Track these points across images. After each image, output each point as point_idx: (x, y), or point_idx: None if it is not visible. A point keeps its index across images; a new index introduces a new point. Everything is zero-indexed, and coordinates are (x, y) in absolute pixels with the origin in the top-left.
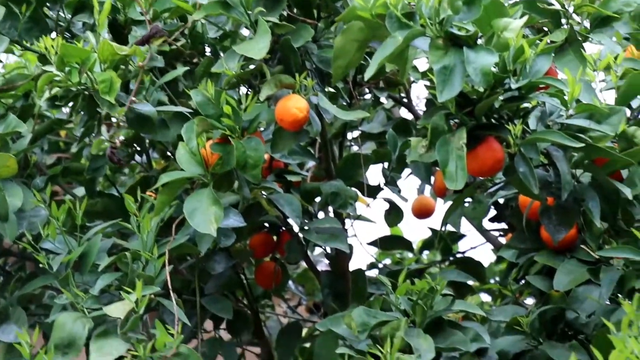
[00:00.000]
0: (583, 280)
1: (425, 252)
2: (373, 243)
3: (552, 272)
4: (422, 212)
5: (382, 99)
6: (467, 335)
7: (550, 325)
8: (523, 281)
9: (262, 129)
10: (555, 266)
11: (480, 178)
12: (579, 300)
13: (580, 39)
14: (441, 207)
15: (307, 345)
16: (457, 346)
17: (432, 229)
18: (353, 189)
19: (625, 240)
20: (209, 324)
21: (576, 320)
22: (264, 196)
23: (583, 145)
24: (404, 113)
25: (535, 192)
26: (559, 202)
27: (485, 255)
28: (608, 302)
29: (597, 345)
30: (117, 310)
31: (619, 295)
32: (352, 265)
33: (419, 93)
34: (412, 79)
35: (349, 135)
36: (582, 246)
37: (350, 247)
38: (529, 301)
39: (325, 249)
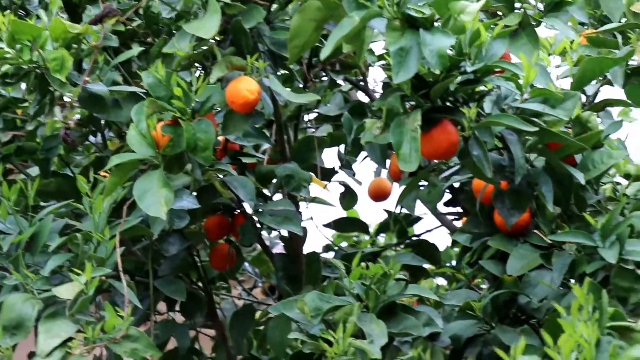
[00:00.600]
0: (535, 265)
1: (382, 235)
2: (329, 225)
3: (505, 257)
4: (379, 194)
5: (339, 82)
6: (420, 320)
7: (503, 310)
8: (477, 265)
9: (219, 109)
10: (509, 251)
11: (435, 161)
12: (531, 284)
13: (533, 23)
14: (397, 190)
15: (262, 328)
16: (409, 331)
17: (388, 212)
18: (308, 172)
19: (577, 224)
20: (163, 306)
21: (528, 304)
22: (218, 178)
23: (537, 129)
24: (361, 96)
25: (488, 176)
26: (513, 186)
27: (441, 238)
28: (560, 287)
29: (547, 329)
30: (66, 291)
31: (570, 279)
32: (308, 248)
33: (376, 76)
34: (369, 61)
35: (306, 118)
36: (535, 231)
37: (305, 229)
38: (484, 285)
39: (279, 232)
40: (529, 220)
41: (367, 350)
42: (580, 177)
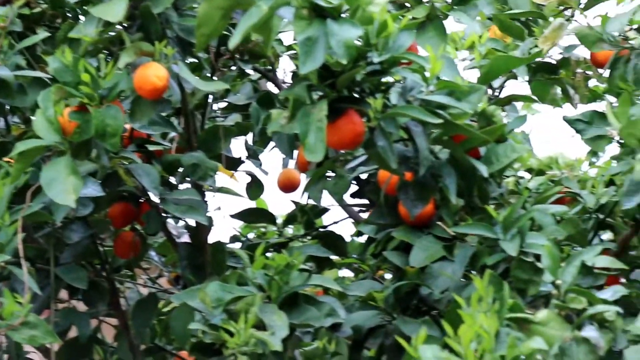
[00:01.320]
0: (438, 256)
1: (290, 227)
2: (236, 216)
3: (409, 248)
4: (288, 186)
5: (248, 71)
6: (323, 311)
7: (405, 301)
8: (381, 256)
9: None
10: (412, 242)
11: (341, 151)
12: (434, 276)
13: (441, 16)
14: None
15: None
16: (311, 322)
17: (295, 203)
18: (214, 161)
19: (479, 217)
20: (65, 295)
21: (430, 296)
22: (123, 166)
23: (442, 121)
24: (271, 86)
25: (393, 167)
26: (417, 177)
27: (348, 230)
28: (462, 279)
29: (448, 320)
30: None
31: (472, 271)
32: (215, 238)
33: (287, 66)
34: (279, 51)
35: (216, 107)
36: (439, 222)
37: (210, 219)
38: (390, 277)
39: (185, 221)
40: (433, 211)
41: (268, 341)
42: (484, 170)
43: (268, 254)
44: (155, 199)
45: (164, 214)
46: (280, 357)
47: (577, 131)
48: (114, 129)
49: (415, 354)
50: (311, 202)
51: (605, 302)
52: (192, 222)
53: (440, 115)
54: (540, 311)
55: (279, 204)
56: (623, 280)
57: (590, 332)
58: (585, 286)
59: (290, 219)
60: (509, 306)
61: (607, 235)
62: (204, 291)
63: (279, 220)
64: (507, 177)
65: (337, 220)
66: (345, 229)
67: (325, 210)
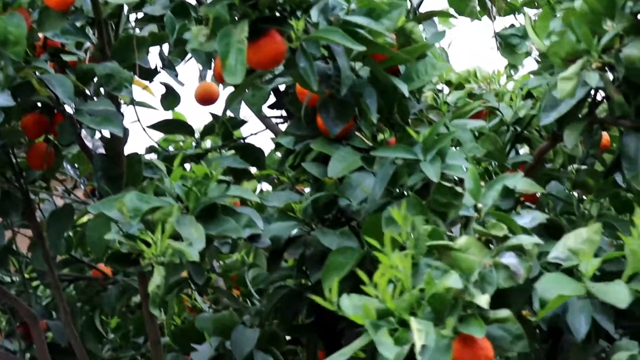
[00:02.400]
0: (356, 167)
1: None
2: (154, 126)
3: (328, 159)
4: (205, 98)
5: None
6: (241, 222)
7: (323, 212)
8: (300, 168)
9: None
10: (330, 153)
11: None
12: (352, 187)
13: None
14: (224, 93)
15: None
16: (229, 233)
17: (213, 115)
18: (129, 71)
19: (400, 135)
20: None
21: (348, 207)
22: (36, 76)
23: (363, 48)
24: None
25: (314, 88)
26: (338, 96)
27: (267, 142)
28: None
29: (366, 231)
30: None
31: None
32: (132, 150)
33: None
34: None
35: (133, 18)
36: (357, 133)
37: (126, 130)
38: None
39: (100, 132)
40: (352, 124)
41: (185, 252)
42: (404, 89)
43: (187, 166)
44: (69, 109)
45: (78, 125)
46: (197, 267)
47: (511, 46)
48: (17, 37)
49: (332, 306)
50: (230, 114)
51: (524, 229)
52: (107, 134)
53: (360, 35)
54: (460, 237)
55: (197, 117)
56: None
57: (509, 258)
58: (506, 209)
59: (208, 131)
60: (429, 233)
61: (524, 150)
62: (121, 201)
63: (197, 133)
64: (426, 91)
65: (255, 132)
66: (264, 142)
67: (243, 122)
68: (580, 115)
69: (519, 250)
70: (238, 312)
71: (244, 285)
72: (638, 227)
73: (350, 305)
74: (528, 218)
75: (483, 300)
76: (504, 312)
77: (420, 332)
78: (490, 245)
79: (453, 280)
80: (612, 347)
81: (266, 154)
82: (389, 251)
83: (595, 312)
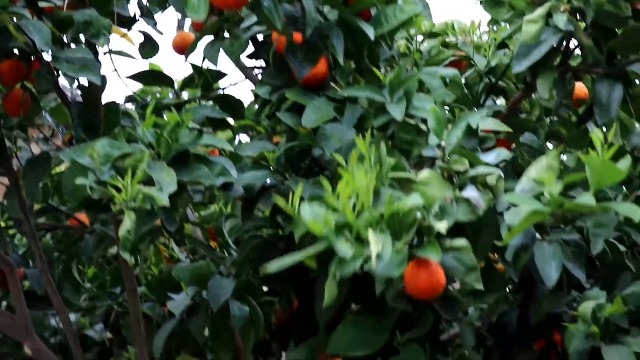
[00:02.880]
0: (330, 117)
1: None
2: (133, 77)
3: (303, 109)
4: (183, 47)
5: None
6: (214, 170)
7: (297, 162)
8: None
9: None
10: (305, 103)
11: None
12: (326, 137)
13: None
14: (202, 42)
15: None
16: (201, 180)
17: (193, 65)
18: (107, 19)
19: (368, 78)
20: None
21: (322, 157)
22: (13, 22)
23: None
24: None
25: (278, 27)
26: (305, 38)
27: (247, 94)
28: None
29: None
30: None
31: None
32: (108, 98)
33: None
34: None
35: None
36: (332, 83)
37: (104, 78)
38: None
39: (78, 80)
40: (326, 73)
41: (156, 197)
42: (370, 32)
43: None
44: (47, 56)
45: (56, 73)
46: (169, 214)
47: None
48: None
49: (293, 212)
50: (209, 65)
51: (488, 165)
52: (84, 82)
53: None
54: (422, 171)
55: (177, 68)
56: (514, 145)
57: (470, 192)
58: (470, 148)
59: (187, 82)
60: (392, 166)
61: (500, 101)
62: (92, 147)
63: (177, 84)
64: (398, 40)
65: (234, 82)
66: (245, 93)
67: (223, 73)
68: (554, 65)
69: (484, 184)
70: (215, 263)
71: (222, 235)
72: (596, 145)
73: (310, 213)
74: (492, 155)
75: (441, 225)
76: (461, 241)
77: (377, 244)
78: (454, 181)
79: (413, 199)
80: (582, 296)
81: (246, 105)
82: (353, 166)
83: (566, 260)
